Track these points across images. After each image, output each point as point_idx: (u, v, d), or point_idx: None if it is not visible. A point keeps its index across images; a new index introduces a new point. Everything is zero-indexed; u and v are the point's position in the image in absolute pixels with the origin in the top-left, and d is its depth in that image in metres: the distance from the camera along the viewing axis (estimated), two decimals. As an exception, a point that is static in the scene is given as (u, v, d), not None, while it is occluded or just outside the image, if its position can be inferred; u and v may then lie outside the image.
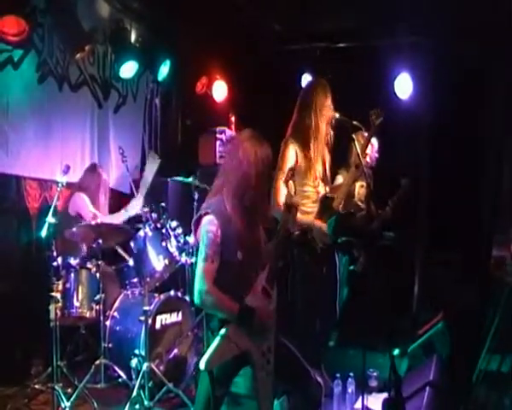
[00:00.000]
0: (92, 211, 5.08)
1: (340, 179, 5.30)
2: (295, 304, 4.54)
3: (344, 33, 6.74)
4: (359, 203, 5.58)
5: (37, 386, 4.55)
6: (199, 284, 3.07)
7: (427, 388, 3.87)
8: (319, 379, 3.44)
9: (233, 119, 7.37)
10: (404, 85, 6.52)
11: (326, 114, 4.56)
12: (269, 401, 3.16)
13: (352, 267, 5.78)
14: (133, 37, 6.06)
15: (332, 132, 4.64)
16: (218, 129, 6.82)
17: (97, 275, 4.72)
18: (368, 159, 5.78)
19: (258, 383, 3.10)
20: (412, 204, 6.28)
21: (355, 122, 4.32)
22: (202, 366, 3.00)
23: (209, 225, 3.11)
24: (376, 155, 5.99)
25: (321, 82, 4.75)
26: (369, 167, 5.77)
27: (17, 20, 4.68)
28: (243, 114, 7.34)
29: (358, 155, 4.29)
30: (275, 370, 3.21)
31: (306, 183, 4.59)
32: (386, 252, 5.84)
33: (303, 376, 3.31)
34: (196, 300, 3.10)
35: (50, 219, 4.34)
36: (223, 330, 3.08)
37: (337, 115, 4.51)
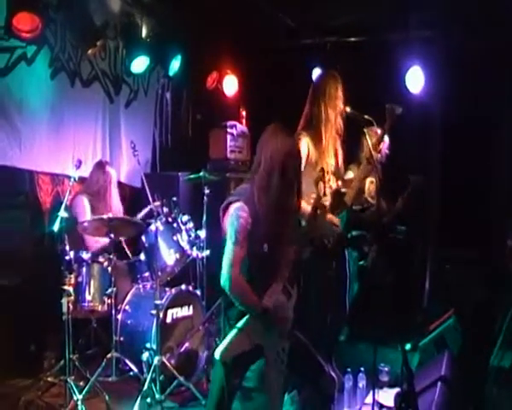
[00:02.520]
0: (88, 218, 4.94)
1: (350, 174, 5.27)
2: (308, 298, 4.54)
3: (355, 27, 6.69)
4: (369, 199, 5.56)
5: (49, 379, 4.58)
6: (228, 268, 3.08)
7: (439, 383, 3.86)
8: (333, 373, 3.45)
9: (243, 113, 7.38)
10: (415, 79, 6.42)
11: (337, 105, 4.54)
12: (278, 399, 3.17)
13: (361, 262, 5.78)
14: (144, 32, 6.05)
15: (342, 126, 4.62)
16: (228, 123, 6.81)
17: (109, 269, 4.73)
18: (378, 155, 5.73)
19: (269, 379, 3.10)
20: (423, 200, 6.25)
21: (366, 116, 4.29)
22: (217, 355, 3.03)
23: (240, 211, 3.12)
24: (387, 151, 5.93)
25: (332, 74, 4.71)
26: (380, 163, 5.71)
27: (30, 17, 4.70)
28: (254, 109, 7.35)
29: (370, 150, 4.27)
30: (288, 363, 3.22)
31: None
32: (397, 247, 5.84)
33: (316, 369, 3.32)
34: (224, 282, 3.09)
35: (62, 213, 4.35)
36: (240, 323, 3.10)
37: (348, 109, 4.49)
